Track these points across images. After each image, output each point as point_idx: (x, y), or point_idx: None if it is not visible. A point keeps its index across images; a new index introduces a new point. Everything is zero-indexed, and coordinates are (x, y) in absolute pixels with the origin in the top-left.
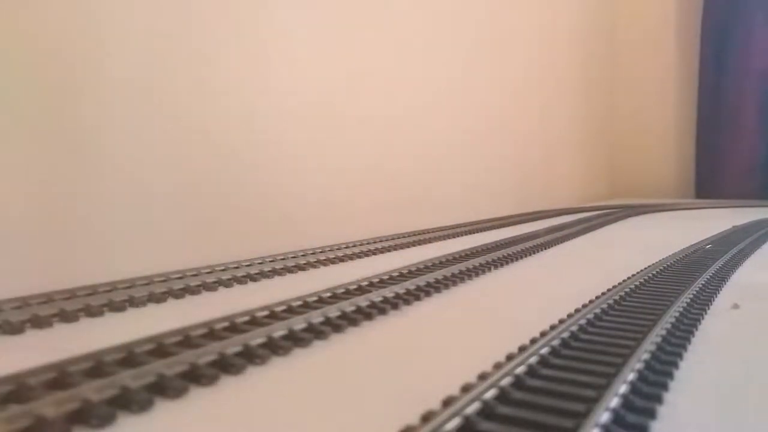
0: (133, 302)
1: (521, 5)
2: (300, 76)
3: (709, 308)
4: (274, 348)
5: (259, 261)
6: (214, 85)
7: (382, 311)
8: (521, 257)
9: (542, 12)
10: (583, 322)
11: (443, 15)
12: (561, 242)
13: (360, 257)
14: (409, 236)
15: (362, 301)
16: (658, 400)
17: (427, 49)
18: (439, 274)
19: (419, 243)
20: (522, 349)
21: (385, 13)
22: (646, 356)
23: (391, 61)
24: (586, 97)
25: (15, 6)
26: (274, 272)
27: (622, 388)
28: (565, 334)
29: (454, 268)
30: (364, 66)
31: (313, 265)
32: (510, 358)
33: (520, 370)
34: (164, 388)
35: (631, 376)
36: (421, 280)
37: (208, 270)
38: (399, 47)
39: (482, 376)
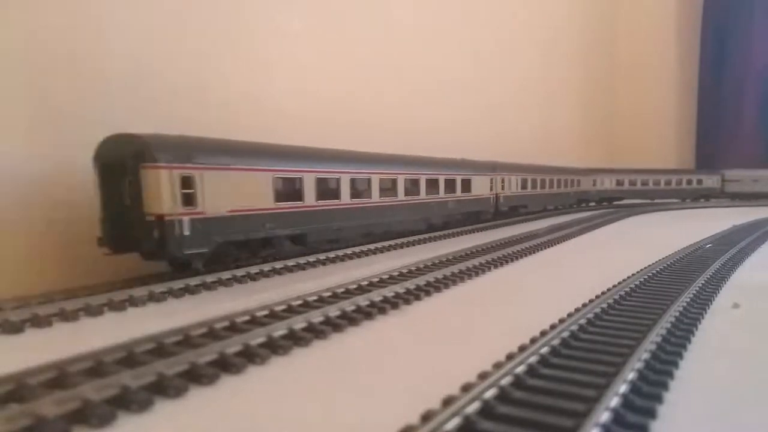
0: (133, 301)
1: (522, 5)
2: (301, 76)
3: (709, 307)
4: (274, 347)
5: (260, 260)
6: (217, 88)
7: (383, 311)
8: (521, 256)
9: (543, 18)
10: (583, 321)
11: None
12: (561, 242)
13: (360, 257)
14: (409, 236)
15: (362, 300)
16: (659, 399)
17: (425, 52)
18: (439, 273)
19: (419, 242)
20: (522, 348)
21: (384, 13)
22: (646, 356)
23: (392, 63)
24: (586, 98)
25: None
26: (275, 272)
27: (623, 388)
28: (565, 334)
29: (454, 268)
30: (364, 69)
31: (313, 264)
32: (510, 357)
33: (520, 369)
34: (164, 388)
35: (631, 376)
36: (421, 280)
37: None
38: (402, 54)
39: (482, 376)
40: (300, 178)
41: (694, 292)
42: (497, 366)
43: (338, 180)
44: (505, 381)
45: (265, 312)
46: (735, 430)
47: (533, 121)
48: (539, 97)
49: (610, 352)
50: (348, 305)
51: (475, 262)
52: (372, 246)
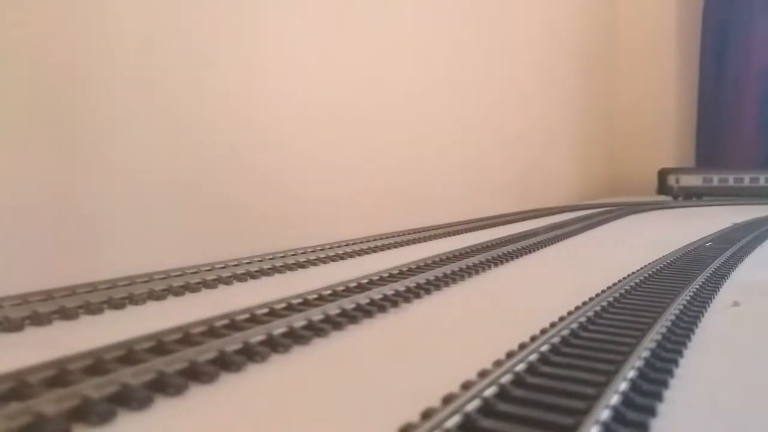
0: (133, 299)
1: (521, 3)
2: (299, 76)
3: (709, 306)
4: (274, 345)
5: (259, 259)
6: (215, 85)
7: (382, 309)
8: (521, 255)
9: (543, 14)
10: (583, 319)
11: (439, 13)
12: (561, 240)
13: (360, 255)
14: (409, 234)
15: (362, 298)
16: (659, 397)
17: (424, 48)
18: (439, 271)
19: (419, 240)
20: (522, 346)
21: (382, 12)
22: (646, 354)
23: (388, 60)
24: (586, 94)
25: (18, 3)
26: (274, 270)
27: (623, 386)
28: (566, 332)
29: (454, 266)
30: (361, 65)
31: (313, 262)
32: (510, 355)
33: (521, 367)
34: (164, 386)
35: (631, 374)
36: (421, 278)
37: (208, 267)
38: (397, 47)
39: (482, 374)
40: (701, 176)
41: (695, 290)
42: (498, 364)
43: (727, 178)
44: (505, 379)
45: (265, 310)
46: (735, 428)
47: (532, 121)
48: (538, 97)
49: (610, 350)
50: (348, 303)
51: (475, 260)
52: (372, 243)
